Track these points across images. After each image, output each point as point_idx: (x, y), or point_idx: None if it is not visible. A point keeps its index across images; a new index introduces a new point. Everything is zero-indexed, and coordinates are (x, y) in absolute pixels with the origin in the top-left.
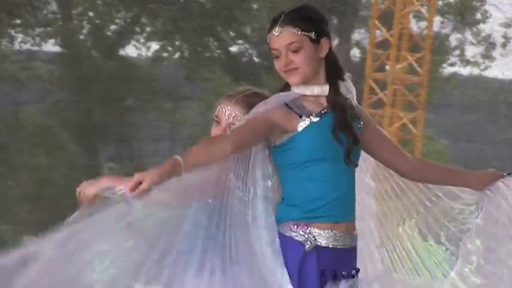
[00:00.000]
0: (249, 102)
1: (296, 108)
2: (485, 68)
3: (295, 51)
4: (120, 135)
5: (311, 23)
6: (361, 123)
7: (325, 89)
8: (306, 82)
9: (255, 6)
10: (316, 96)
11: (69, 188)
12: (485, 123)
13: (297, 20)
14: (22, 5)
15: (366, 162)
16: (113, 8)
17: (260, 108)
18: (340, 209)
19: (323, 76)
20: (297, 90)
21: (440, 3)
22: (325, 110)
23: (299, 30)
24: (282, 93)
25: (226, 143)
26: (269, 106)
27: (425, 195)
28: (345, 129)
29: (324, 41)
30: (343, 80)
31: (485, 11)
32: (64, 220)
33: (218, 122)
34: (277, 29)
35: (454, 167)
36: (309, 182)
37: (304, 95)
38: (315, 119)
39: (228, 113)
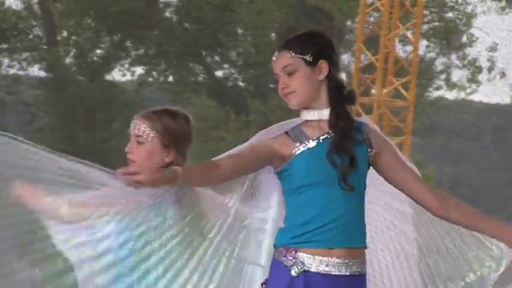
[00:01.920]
0: (156, 117)
1: (294, 135)
2: (472, 92)
3: (290, 74)
4: (107, 159)
5: (307, 45)
6: (371, 147)
7: (325, 113)
8: (306, 106)
9: (240, 30)
10: (318, 121)
11: None
12: (471, 147)
13: (293, 44)
14: (8, 30)
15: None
16: (98, 33)
17: (262, 135)
18: (335, 234)
19: (325, 100)
20: (301, 115)
21: (425, 27)
22: (325, 135)
23: (293, 53)
24: (286, 121)
25: (224, 168)
26: (270, 133)
27: (450, 236)
28: (340, 152)
29: (322, 63)
30: (350, 103)
31: (471, 35)
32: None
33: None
34: (276, 53)
35: (482, 213)
36: (303, 208)
37: (307, 120)
38: (312, 145)
39: (135, 126)
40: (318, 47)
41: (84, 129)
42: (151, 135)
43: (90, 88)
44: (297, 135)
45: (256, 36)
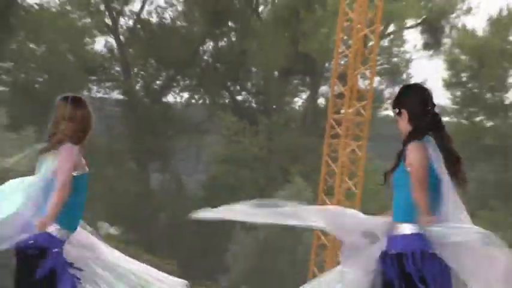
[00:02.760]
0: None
1: None
2: None
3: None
4: (164, 156)
5: (396, 100)
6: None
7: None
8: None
9: (253, 69)
10: None
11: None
12: None
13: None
14: (96, 66)
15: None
16: (158, 69)
17: None
18: None
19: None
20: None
21: (378, 68)
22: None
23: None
24: None
25: None
26: None
27: None
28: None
29: (403, 111)
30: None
31: (409, 73)
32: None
33: None
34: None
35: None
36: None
37: None
38: None
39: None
40: (399, 98)
41: (148, 135)
42: None
43: (153, 107)
44: None
45: (266, 72)
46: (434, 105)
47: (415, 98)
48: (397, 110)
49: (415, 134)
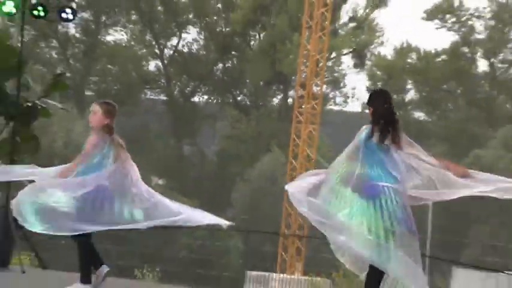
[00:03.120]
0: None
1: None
2: (345, 107)
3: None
4: (192, 135)
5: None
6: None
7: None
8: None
9: (247, 80)
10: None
11: None
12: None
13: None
14: (150, 80)
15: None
16: (188, 81)
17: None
18: None
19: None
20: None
21: (326, 79)
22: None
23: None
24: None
25: None
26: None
27: None
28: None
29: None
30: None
31: (345, 83)
32: None
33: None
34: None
35: None
36: None
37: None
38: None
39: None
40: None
41: (182, 121)
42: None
43: (185, 105)
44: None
45: (254, 83)
46: (390, 102)
47: (379, 99)
48: (368, 105)
49: (373, 120)
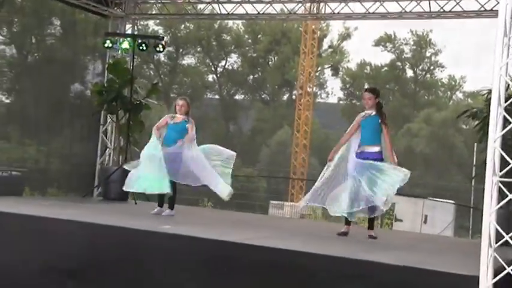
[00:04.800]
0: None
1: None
2: (327, 100)
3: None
4: (235, 118)
5: (374, 91)
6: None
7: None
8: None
9: (267, 85)
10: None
11: None
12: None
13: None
14: (208, 86)
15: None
16: (235, 86)
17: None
18: None
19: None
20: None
21: (316, 83)
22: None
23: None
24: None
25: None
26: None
27: None
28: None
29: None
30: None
31: (327, 86)
32: None
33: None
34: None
35: None
36: None
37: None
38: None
39: (178, 103)
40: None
41: (228, 113)
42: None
43: (230, 101)
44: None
45: (273, 86)
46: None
47: (377, 92)
48: (374, 96)
49: (378, 108)
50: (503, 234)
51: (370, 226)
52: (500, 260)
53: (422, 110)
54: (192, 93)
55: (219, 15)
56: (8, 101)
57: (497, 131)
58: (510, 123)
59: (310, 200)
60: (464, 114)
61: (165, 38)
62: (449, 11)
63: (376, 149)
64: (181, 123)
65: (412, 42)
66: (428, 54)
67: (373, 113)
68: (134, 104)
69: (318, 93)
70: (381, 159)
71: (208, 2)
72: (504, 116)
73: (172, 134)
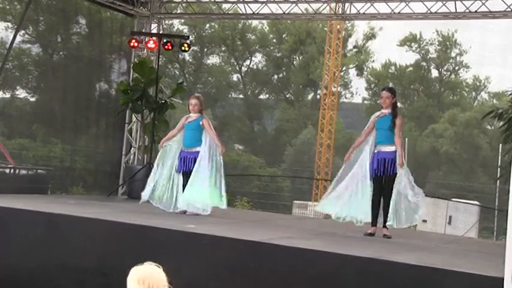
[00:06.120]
0: (198, 97)
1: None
2: (351, 100)
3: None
4: (259, 117)
5: (392, 90)
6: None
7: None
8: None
9: (292, 85)
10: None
11: None
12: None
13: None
14: (233, 85)
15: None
16: (258, 87)
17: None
18: None
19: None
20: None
21: (340, 83)
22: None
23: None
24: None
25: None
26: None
27: None
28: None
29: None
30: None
31: (352, 86)
32: None
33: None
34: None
35: None
36: None
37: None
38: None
39: (191, 102)
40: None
41: (253, 112)
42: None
43: (254, 101)
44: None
45: (299, 86)
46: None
47: (395, 92)
48: (392, 95)
49: (393, 107)
50: None
51: (384, 225)
52: None
53: (447, 111)
54: (216, 92)
55: (244, 14)
56: (33, 99)
57: None
58: None
59: (329, 206)
60: (489, 115)
61: (190, 37)
62: (475, 12)
63: (392, 148)
64: (196, 120)
65: (437, 43)
66: (453, 55)
67: (389, 112)
68: (159, 103)
69: (342, 93)
70: (395, 159)
71: (234, 2)
72: None
73: (189, 133)
